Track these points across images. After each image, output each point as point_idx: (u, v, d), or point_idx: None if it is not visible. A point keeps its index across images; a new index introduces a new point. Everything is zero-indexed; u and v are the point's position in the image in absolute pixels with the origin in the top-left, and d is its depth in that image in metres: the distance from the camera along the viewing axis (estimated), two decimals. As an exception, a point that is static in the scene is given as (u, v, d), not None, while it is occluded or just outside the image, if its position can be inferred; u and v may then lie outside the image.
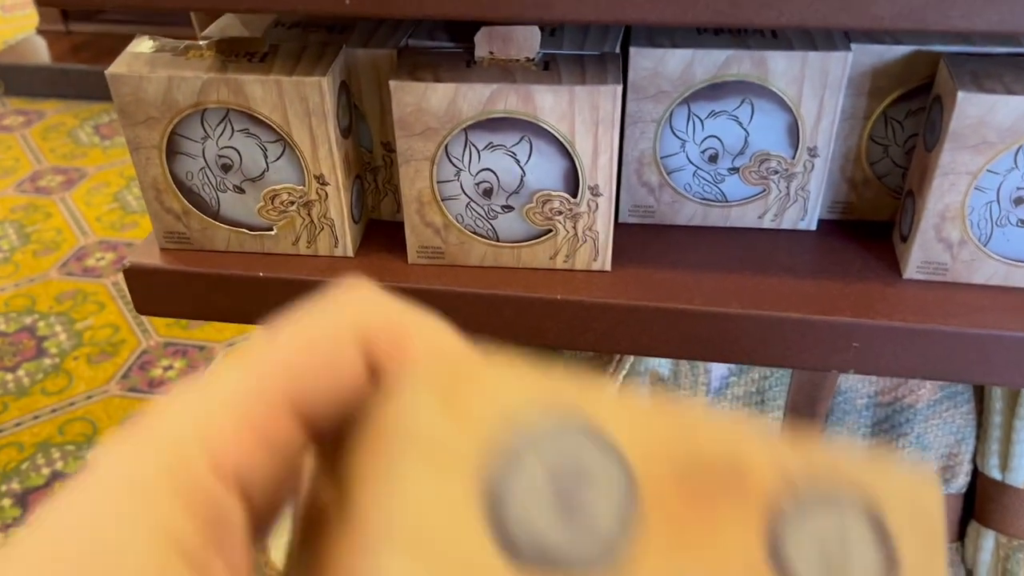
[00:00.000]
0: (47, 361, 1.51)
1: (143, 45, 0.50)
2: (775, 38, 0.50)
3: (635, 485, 0.18)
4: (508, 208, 0.51)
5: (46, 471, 1.35)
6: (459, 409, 0.17)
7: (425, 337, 0.20)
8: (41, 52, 2.19)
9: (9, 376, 1.48)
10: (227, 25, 0.54)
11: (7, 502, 1.30)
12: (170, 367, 1.48)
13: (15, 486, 1.33)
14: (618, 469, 0.18)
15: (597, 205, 0.50)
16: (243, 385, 0.19)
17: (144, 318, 1.57)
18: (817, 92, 0.50)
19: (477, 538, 0.16)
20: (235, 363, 0.19)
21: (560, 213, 0.51)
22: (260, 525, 0.19)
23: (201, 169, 0.51)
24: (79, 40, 2.22)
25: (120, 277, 1.66)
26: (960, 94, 0.45)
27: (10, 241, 1.74)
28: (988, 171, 0.47)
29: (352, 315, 0.20)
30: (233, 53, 0.49)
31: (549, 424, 0.17)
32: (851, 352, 0.49)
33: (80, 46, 2.20)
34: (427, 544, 0.16)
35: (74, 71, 2.12)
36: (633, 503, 0.17)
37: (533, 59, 0.49)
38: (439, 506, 0.16)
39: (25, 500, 1.30)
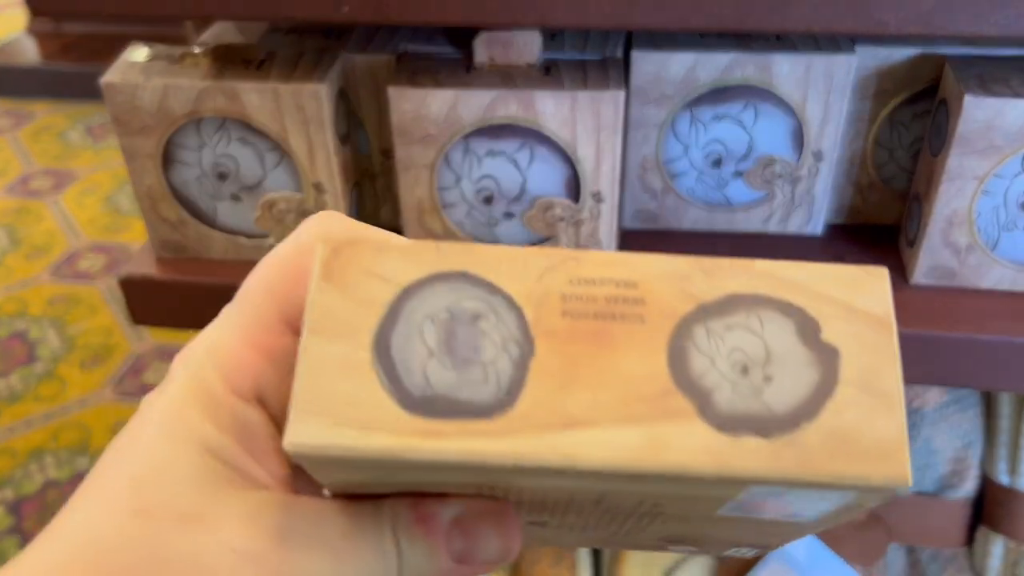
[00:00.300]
0: (39, 366, 1.50)
1: (137, 53, 0.49)
2: (779, 40, 0.50)
3: (526, 326, 0.18)
4: (509, 215, 0.51)
5: (39, 478, 1.34)
6: (353, 287, 0.18)
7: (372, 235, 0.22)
8: (31, 52, 2.17)
9: (1, 382, 1.47)
10: (222, 31, 0.53)
11: (0, 510, 1.29)
12: (159, 370, 1.47)
13: (8, 493, 1.31)
14: (507, 312, 0.18)
15: (600, 211, 0.50)
16: (240, 313, 0.22)
17: (137, 322, 1.55)
18: (822, 95, 0.49)
19: (375, 393, 0.17)
20: (233, 300, 0.22)
21: (562, 220, 0.50)
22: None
23: (197, 178, 0.50)
24: (69, 40, 2.20)
25: (113, 281, 1.64)
26: (967, 98, 0.44)
27: (1, 245, 1.73)
28: (995, 175, 0.46)
29: (318, 230, 0.22)
30: (229, 60, 0.48)
31: (436, 282, 0.19)
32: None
33: (70, 46, 2.18)
34: (330, 404, 0.17)
35: (65, 71, 2.10)
36: (525, 343, 0.18)
37: (534, 64, 0.48)
38: (339, 371, 0.18)
39: (18, 508, 1.29)
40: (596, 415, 0.17)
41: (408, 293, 0.18)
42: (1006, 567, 0.62)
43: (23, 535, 1.25)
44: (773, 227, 0.54)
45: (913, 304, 0.49)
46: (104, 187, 1.87)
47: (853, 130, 0.52)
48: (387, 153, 0.54)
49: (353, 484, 0.20)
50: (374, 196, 0.55)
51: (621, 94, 0.46)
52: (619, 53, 0.50)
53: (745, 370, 0.18)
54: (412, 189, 0.50)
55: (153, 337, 1.50)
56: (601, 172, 0.48)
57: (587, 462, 0.17)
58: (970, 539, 0.65)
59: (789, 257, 0.52)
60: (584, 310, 0.18)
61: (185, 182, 0.50)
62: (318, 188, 0.50)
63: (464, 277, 0.19)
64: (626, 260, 0.19)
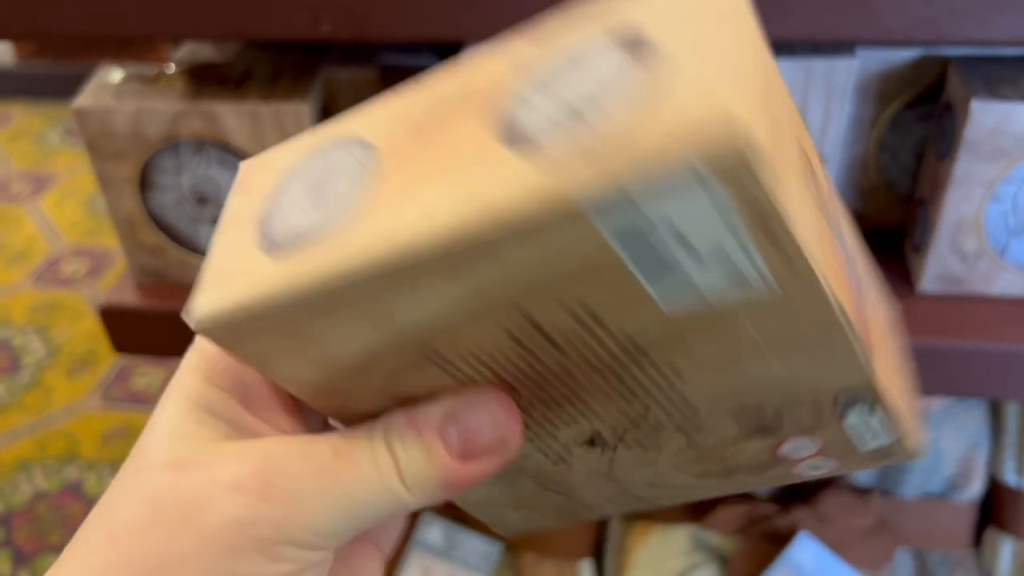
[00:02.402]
0: (24, 375, 1.47)
1: (111, 75, 0.47)
2: (775, 44, 0.48)
3: (376, 153, 0.19)
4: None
5: (28, 490, 1.32)
6: (252, 187, 0.21)
7: None
8: (5, 53, 2.13)
9: (-14, 393, 1.45)
10: (198, 47, 0.51)
11: (-10, 523, 1.27)
12: (147, 376, 1.45)
13: (-2, 506, 1.29)
14: (360, 151, 0.20)
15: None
16: None
17: (123, 327, 1.53)
18: (822, 100, 0.48)
19: (254, 257, 0.19)
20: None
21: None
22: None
23: (177, 201, 0.48)
24: (45, 40, 2.16)
25: (97, 286, 1.62)
26: (974, 103, 0.43)
27: (-19, 252, 1.70)
28: (1004, 181, 0.45)
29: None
30: (205, 80, 0.46)
31: (307, 156, 0.20)
32: (865, 371, 0.47)
33: (47, 46, 2.14)
34: (221, 274, 0.20)
35: (41, 72, 2.06)
36: (372, 168, 0.19)
37: (524, 76, 0.46)
38: (233, 251, 0.20)
39: (8, 521, 1.27)
40: (427, 202, 0.17)
41: (288, 173, 0.20)
42: (1015, 568, 0.61)
43: (15, 548, 1.23)
44: (774, 235, 0.52)
45: (920, 312, 0.48)
46: (84, 189, 1.84)
47: (854, 134, 0.50)
48: (373, 169, 0.52)
49: (305, 378, 0.21)
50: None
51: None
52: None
53: (573, 110, 0.16)
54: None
55: (139, 342, 1.48)
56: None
57: (416, 241, 0.17)
58: (978, 540, 0.64)
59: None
60: (423, 120, 0.19)
61: (164, 207, 0.48)
62: (303, 209, 0.48)
63: (332, 143, 0.20)
64: (455, 71, 0.19)
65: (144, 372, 1.45)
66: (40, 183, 1.86)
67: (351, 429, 0.21)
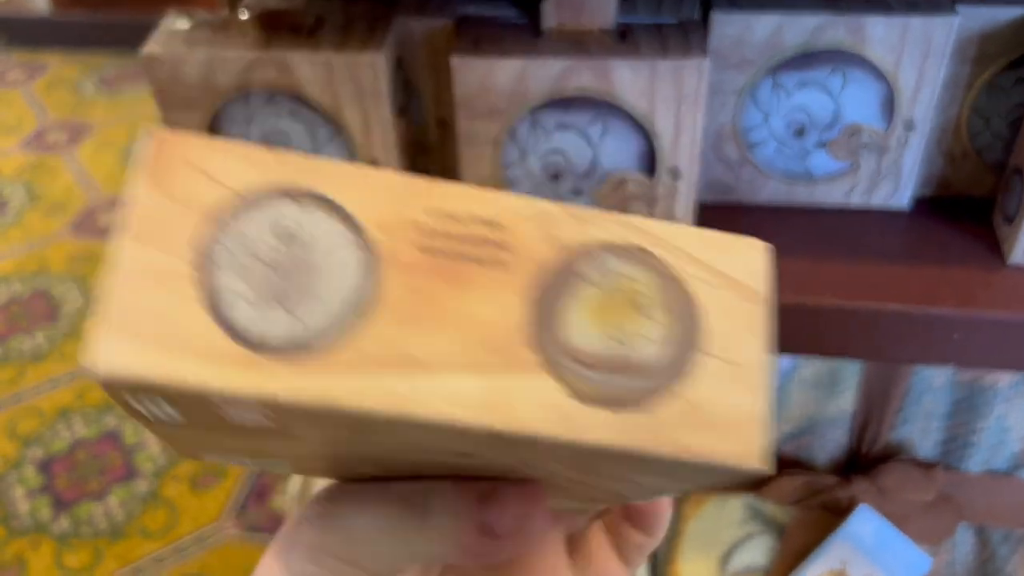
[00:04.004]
0: (63, 324, 1.48)
1: (180, 21, 0.45)
2: (870, 1, 0.46)
3: (373, 255, 0.16)
4: (578, 192, 0.47)
5: (67, 435, 1.33)
6: (176, 184, 0.16)
7: None
8: (41, 1, 2.12)
9: (26, 341, 1.46)
10: (266, -7, 0.49)
11: (30, 469, 1.28)
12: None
13: (38, 452, 1.31)
14: (353, 238, 0.16)
15: (676, 188, 0.46)
16: None
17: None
18: (917, 60, 0.45)
19: (193, 313, 0.15)
20: None
21: (635, 197, 0.47)
22: None
23: (244, 154, 0.47)
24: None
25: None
26: (1087, 65, 0.41)
27: (20, 201, 1.70)
28: (1112, 148, 0.42)
29: None
30: (277, 28, 0.45)
31: (275, 196, 0.16)
32: (951, 345, 0.46)
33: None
34: (142, 321, 0.15)
35: (76, 20, 2.05)
36: (369, 273, 0.16)
37: (608, 29, 0.44)
38: (154, 282, 0.16)
39: (49, 467, 1.29)
40: (440, 360, 0.16)
41: (242, 201, 0.16)
42: (1084, 549, 0.60)
43: (56, 494, 1.25)
44: (856, 200, 0.51)
45: (1012, 286, 0.46)
46: (120, 140, 1.83)
47: (948, 96, 0.48)
48: (443, 124, 0.50)
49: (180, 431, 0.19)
50: (429, 169, 0.52)
51: (705, 62, 0.43)
52: (696, 15, 0.46)
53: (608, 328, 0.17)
54: (474, 166, 0.47)
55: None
56: (679, 146, 0.45)
57: (422, 411, 0.16)
58: (1044, 519, 0.63)
59: (874, 233, 0.49)
60: (442, 247, 0.17)
61: (232, 159, 0.47)
62: (373, 163, 0.47)
63: (309, 195, 0.16)
64: (492, 198, 0.17)
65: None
66: (76, 133, 1.86)
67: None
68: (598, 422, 0.16)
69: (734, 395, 0.17)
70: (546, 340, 0.16)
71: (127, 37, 2.01)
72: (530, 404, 0.16)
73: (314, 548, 0.21)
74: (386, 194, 0.17)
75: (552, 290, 0.17)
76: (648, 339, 0.17)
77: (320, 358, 0.16)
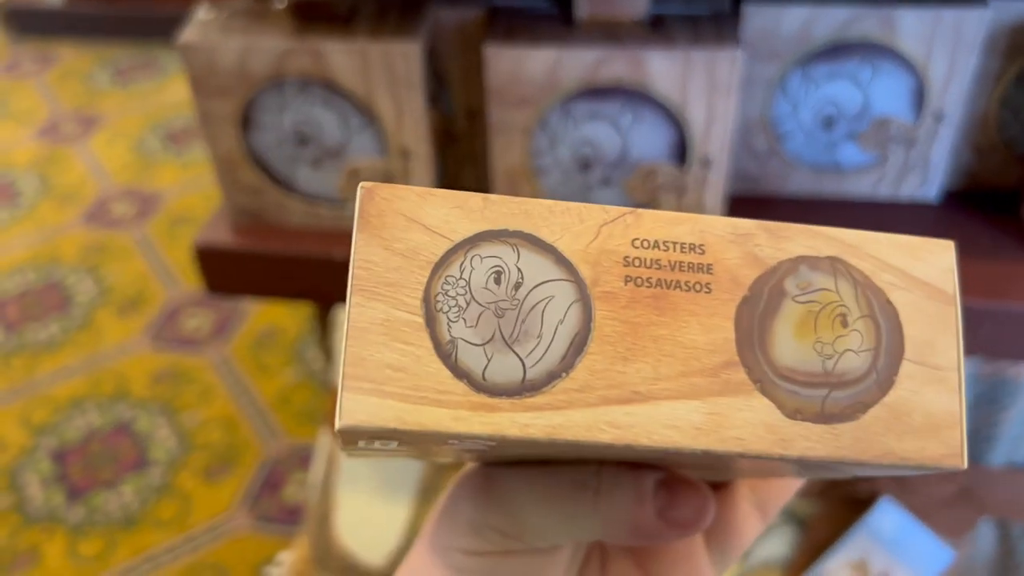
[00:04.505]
0: (76, 314, 1.48)
1: (213, 10, 0.45)
2: (902, -8, 0.46)
3: (585, 290, 0.17)
4: (607, 182, 0.48)
5: (80, 424, 1.33)
6: (396, 239, 0.17)
7: None
8: (53, -8, 2.12)
9: (40, 330, 1.46)
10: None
11: (44, 458, 1.29)
12: (196, 318, 1.46)
13: (52, 441, 1.31)
14: (564, 275, 0.17)
15: (706, 178, 0.46)
16: None
17: (172, 269, 1.54)
18: (948, 53, 0.45)
19: (426, 361, 0.16)
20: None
21: (665, 188, 0.47)
22: None
23: (277, 142, 0.47)
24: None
25: (146, 227, 1.63)
26: (1120, 57, 0.41)
27: (33, 192, 1.71)
28: None
29: None
30: (312, 16, 0.45)
31: (487, 239, 0.17)
32: (978, 337, 0.46)
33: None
34: (378, 374, 0.16)
35: (89, 12, 2.05)
36: (583, 309, 0.17)
37: (641, 19, 0.45)
38: (387, 335, 0.17)
39: (63, 457, 1.29)
40: (656, 388, 0.17)
41: (459, 250, 0.17)
42: (1105, 543, 0.60)
43: (70, 484, 1.25)
44: (884, 192, 0.51)
45: (1040, 278, 0.46)
46: (133, 131, 1.84)
47: (977, 89, 0.48)
48: (473, 114, 0.50)
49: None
50: (457, 159, 0.52)
51: (738, 52, 0.43)
52: (727, 6, 0.46)
53: (820, 342, 0.17)
54: (504, 155, 0.47)
55: (188, 284, 1.48)
56: (711, 136, 0.45)
57: (646, 440, 0.16)
58: (1065, 512, 0.63)
59: (904, 225, 0.49)
60: (647, 276, 0.17)
61: (264, 146, 0.47)
62: (404, 153, 0.47)
63: (520, 237, 0.17)
64: (690, 221, 0.18)
65: (193, 314, 1.46)
66: (89, 124, 1.86)
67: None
68: (809, 436, 0.17)
69: (934, 398, 0.17)
70: (756, 360, 0.17)
71: (140, 28, 2.01)
72: (745, 425, 0.17)
73: (476, 524, 0.22)
74: (592, 228, 0.17)
75: (757, 310, 0.17)
76: (853, 351, 0.17)
77: (545, 394, 0.17)
